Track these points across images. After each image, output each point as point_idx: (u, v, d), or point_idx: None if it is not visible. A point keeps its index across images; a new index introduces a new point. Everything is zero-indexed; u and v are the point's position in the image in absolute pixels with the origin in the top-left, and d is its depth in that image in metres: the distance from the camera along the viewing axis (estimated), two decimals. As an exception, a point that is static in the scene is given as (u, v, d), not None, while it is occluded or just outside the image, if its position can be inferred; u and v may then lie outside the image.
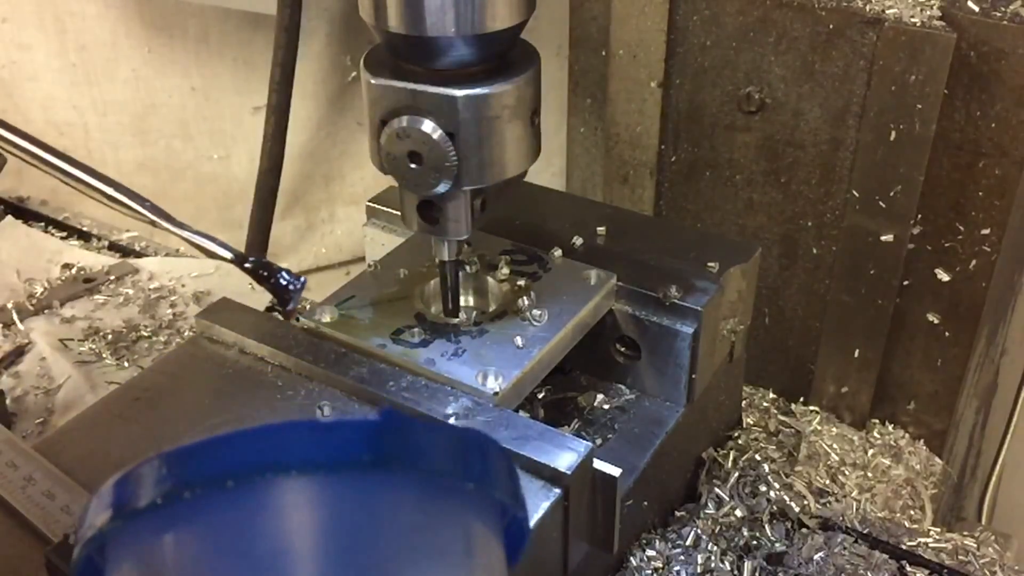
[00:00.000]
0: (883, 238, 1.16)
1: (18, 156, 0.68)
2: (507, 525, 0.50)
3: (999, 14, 1.05)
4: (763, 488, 1.04)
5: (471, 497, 0.46)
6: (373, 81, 0.79)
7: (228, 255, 0.70)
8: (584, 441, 0.76)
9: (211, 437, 0.42)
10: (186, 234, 0.70)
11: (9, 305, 1.32)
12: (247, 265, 0.71)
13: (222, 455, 0.42)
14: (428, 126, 0.77)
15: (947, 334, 1.21)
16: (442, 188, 0.79)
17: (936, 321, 1.20)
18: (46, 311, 1.32)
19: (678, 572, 0.94)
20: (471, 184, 0.81)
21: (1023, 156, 1.07)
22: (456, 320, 0.90)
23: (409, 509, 0.45)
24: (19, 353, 1.24)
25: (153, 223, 0.70)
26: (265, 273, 0.71)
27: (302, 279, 0.72)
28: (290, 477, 0.42)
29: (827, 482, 1.17)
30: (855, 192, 1.16)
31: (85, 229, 1.56)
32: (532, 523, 0.71)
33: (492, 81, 0.78)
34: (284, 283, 0.70)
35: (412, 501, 0.45)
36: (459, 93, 0.77)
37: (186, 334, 1.27)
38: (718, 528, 1.00)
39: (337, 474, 0.43)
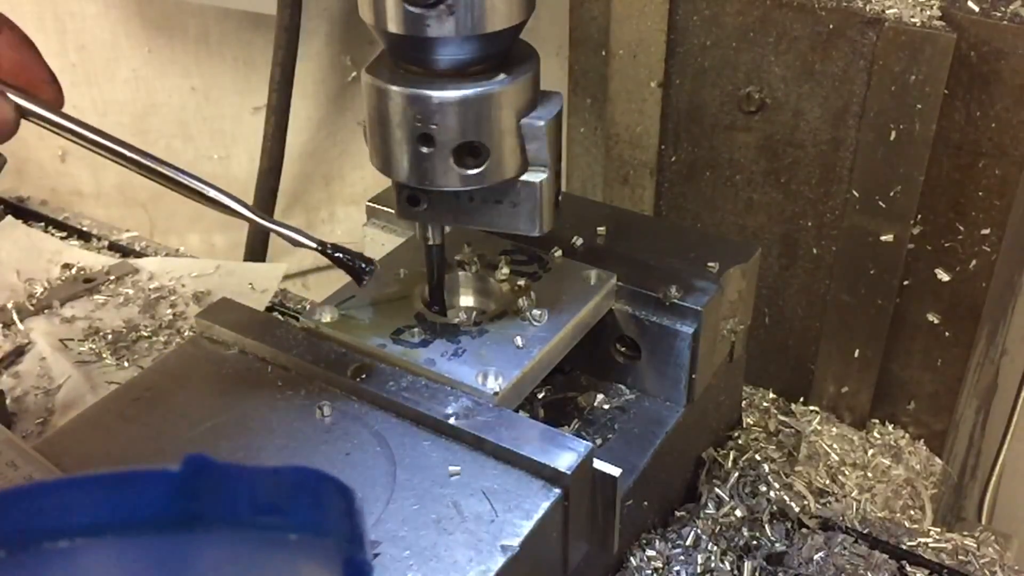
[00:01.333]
0: (883, 238, 1.16)
1: (102, 155, 0.73)
2: (345, 566, 0.44)
3: (999, 14, 1.05)
4: (763, 488, 1.04)
5: (299, 544, 0.41)
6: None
7: (313, 244, 0.80)
8: (584, 441, 0.76)
9: None
10: (273, 226, 0.79)
11: (9, 305, 1.32)
12: (328, 251, 0.81)
13: None
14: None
15: (947, 334, 1.21)
16: None
17: (936, 321, 1.20)
18: (46, 311, 1.32)
19: (678, 572, 0.94)
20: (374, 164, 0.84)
21: (1023, 156, 1.07)
22: (456, 320, 0.90)
23: (222, 570, 0.39)
24: (19, 353, 1.24)
25: (240, 215, 0.76)
26: (346, 258, 0.82)
27: (375, 262, 0.84)
28: (75, 543, 0.36)
29: (827, 482, 1.17)
30: (855, 192, 1.16)
31: (85, 229, 1.56)
32: (532, 523, 0.71)
33: (385, 77, 0.78)
34: (361, 265, 0.83)
35: (226, 560, 0.39)
36: (362, 72, 0.80)
37: (186, 334, 1.27)
38: (718, 528, 1.00)
39: (133, 537, 0.37)
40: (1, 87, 0.66)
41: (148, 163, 0.73)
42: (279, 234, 0.79)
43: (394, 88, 0.78)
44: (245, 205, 0.76)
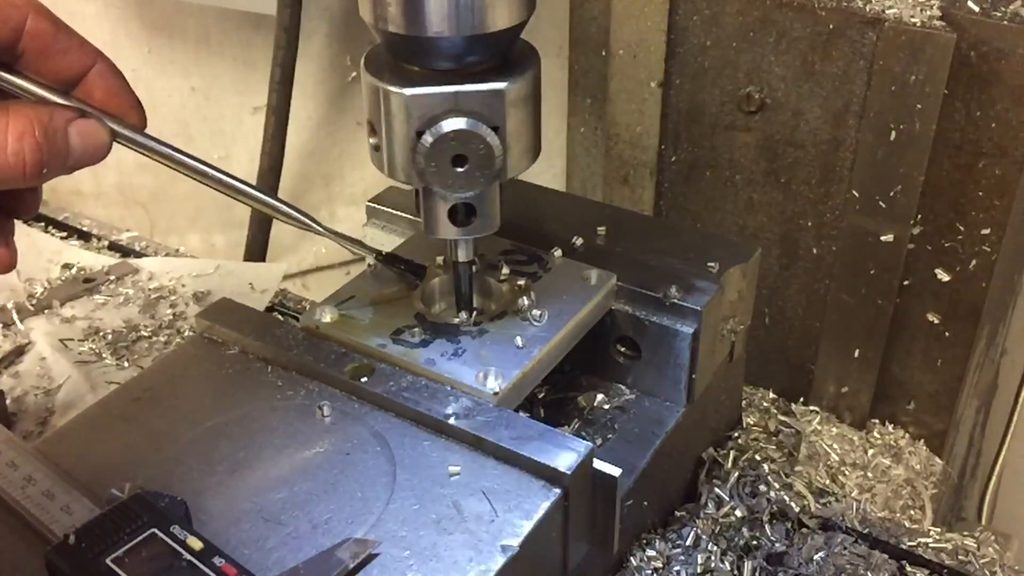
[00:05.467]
0: (883, 238, 1.16)
1: (186, 174, 0.78)
2: None
3: (999, 14, 1.05)
4: (763, 488, 1.04)
5: None
6: (409, 93, 0.76)
7: (369, 252, 0.92)
8: (584, 441, 0.76)
9: None
10: (338, 238, 0.88)
11: (9, 305, 1.32)
12: (381, 258, 0.93)
13: None
14: (473, 124, 0.76)
15: (947, 334, 1.21)
16: (487, 183, 0.80)
17: (936, 321, 1.20)
18: (46, 311, 1.32)
19: (678, 572, 0.94)
20: (515, 173, 0.81)
21: (1023, 156, 1.07)
22: (456, 320, 0.90)
23: None
24: (19, 353, 1.24)
25: (303, 226, 0.85)
26: (400, 265, 0.93)
27: (425, 267, 0.94)
28: None
29: (827, 482, 1.17)
30: (855, 192, 1.16)
31: (85, 229, 1.56)
32: (532, 523, 0.71)
33: (515, 74, 0.77)
34: (411, 269, 0.93)
35: None
36: (502, 85, 0.76)
37: (186, 334, 1.27)
38: (718, 528, 1.00)
39: None
40: (98, 114, 0.72)
41: (230, 181, 0.79)
42: (343, 245, 0.90)
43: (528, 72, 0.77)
44: (315, 221, 0.85)
